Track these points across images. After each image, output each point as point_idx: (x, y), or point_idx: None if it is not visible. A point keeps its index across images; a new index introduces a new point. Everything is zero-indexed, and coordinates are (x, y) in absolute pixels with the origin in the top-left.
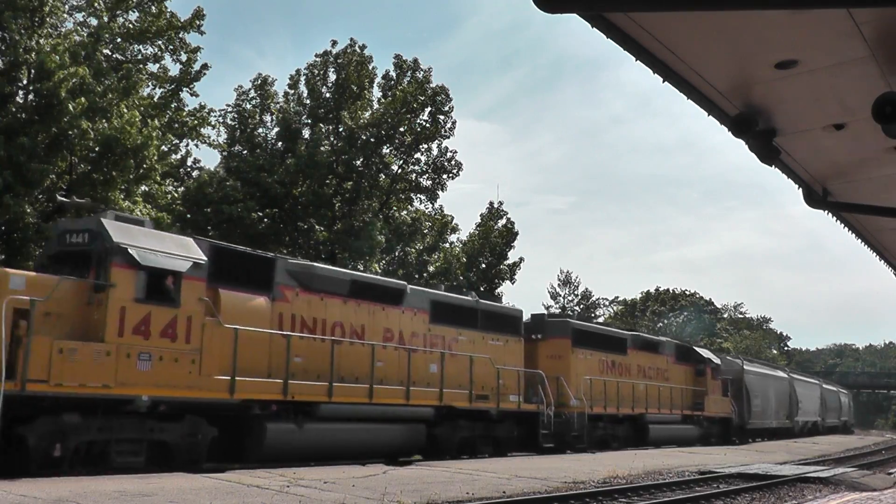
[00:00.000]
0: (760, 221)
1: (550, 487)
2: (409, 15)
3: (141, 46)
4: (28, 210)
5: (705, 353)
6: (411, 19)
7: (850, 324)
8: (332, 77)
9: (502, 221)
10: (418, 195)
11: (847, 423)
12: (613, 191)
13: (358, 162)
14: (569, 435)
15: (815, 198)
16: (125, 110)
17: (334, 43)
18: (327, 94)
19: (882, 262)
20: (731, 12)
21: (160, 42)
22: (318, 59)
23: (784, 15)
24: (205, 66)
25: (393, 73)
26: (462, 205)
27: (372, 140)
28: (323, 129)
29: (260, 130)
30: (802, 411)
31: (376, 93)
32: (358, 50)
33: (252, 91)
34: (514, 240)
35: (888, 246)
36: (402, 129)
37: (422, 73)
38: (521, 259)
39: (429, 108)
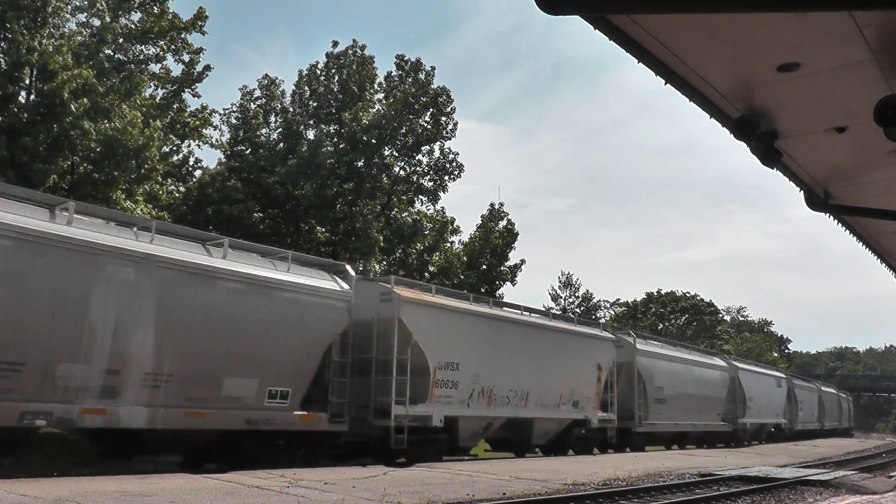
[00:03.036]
0: (762, 224)
1: (550, 489)
2: (410, 15)
3: (143, 47)
4: None
5: None
6: (412, 20)
7: (850, 327)
8: (335, 78)
9: (503, 223)
10: (419, 196)
11: (783, 426)
12: (614, 193)
13: (359, 163)
14: None
15: (817, 200)
16: (127, 111)
17: (335, 44)
18: (329, 96)
19: (883, 265)
20: (734, 15)
21: (162, 42)
22: (323, 61)
23: (786, 18)
24: (207, 68)
25: (395, 74)
26: (463, 206)
27: (373, 141)
28: (324, 130)
29: (263, 131)
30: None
31: (378, 94)
32: (359, 51)
33: (257, 91)
34: (514, 241)
35: (889, 249)
36: (402, 131)
37: (423, 73)
38: (523, 261)
39: (430, 110)
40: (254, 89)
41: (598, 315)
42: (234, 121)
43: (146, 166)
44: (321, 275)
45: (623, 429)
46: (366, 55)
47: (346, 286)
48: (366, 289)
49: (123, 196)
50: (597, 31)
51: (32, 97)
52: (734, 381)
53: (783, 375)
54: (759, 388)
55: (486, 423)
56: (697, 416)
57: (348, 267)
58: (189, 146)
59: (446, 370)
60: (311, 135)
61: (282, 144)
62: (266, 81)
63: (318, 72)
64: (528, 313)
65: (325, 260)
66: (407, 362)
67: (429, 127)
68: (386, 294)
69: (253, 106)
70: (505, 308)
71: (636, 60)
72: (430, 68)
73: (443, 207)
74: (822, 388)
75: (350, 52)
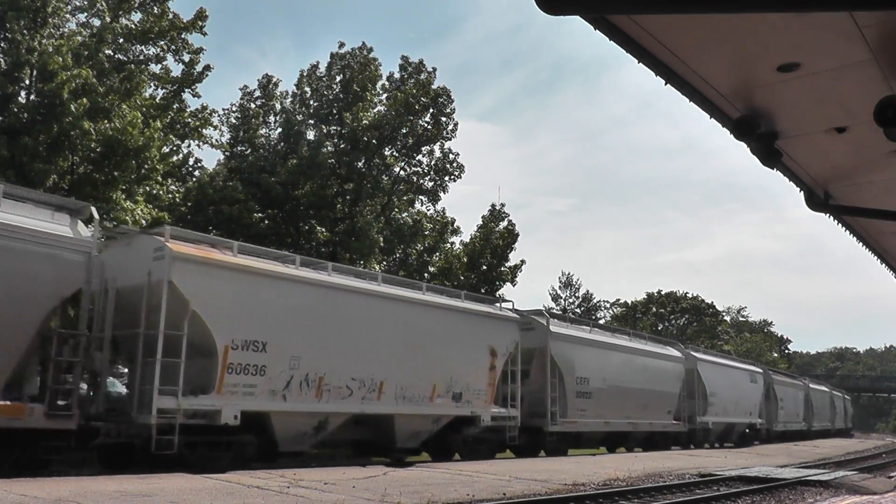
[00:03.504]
0: (762, 224)
1: (550, 489)
2: (410, 15)
3: (143, 47)
4: None
5: None
6: (412, 20)
7: (850, 327)
8: (338, 78)
9: (503, 223)
10: (420, 197)
11: (759, 427)
12: (614, 193)
13: (360, 163)
14: None
15: (817, 201)
16: (127, 111)
17: (342, 45)
18: (331, 96)
19: (883, 265)
20: (734, 15)
21: (162, 43)
22: (325, 60)
23: (786, 18)
24: (207, 68)
25: (397, 75)
26: (463, 206)
27: (374, 142)
28: (325, 130)
29: (263, 131)
30: None
31: (381, 95)
32: (364, 53)
33: (257, 91)
34: (515, 241)
35: (889, 249)
36: (403, 131)
37: (425, 74)
38: (523, 262)
39: (431, 110)
40: (254, 89)
41: (598, 315)
42: (233, 121)
43: (146, 166)
44: (56, 217)
45: (534, 428)
46: (370, 57)
47: (85, 233)
48: (137, 243)
49: (123, 196)
50: (597, 31)
51: (32, 97)
52: (692, 373)
53: (759, 370)
54: (725, 383)
55: (318, 420)
56: (639, 414)
57: (93, 209)
58: (189, 146)
59: (246, 351)
60: (311, 135)
61: (282, 144)
62: (265, 81)
63: (320, 72)
64: (387, 284)
65: (60, 198)
66: (182, 340)
67: (429, 127)
68: (159, 250)
69: (253, 106)
70: (351, 276)
71: (636, 60)
72: (431, 69)
73: (443, 208)
74: (811, 386)
75: (355, 51)
